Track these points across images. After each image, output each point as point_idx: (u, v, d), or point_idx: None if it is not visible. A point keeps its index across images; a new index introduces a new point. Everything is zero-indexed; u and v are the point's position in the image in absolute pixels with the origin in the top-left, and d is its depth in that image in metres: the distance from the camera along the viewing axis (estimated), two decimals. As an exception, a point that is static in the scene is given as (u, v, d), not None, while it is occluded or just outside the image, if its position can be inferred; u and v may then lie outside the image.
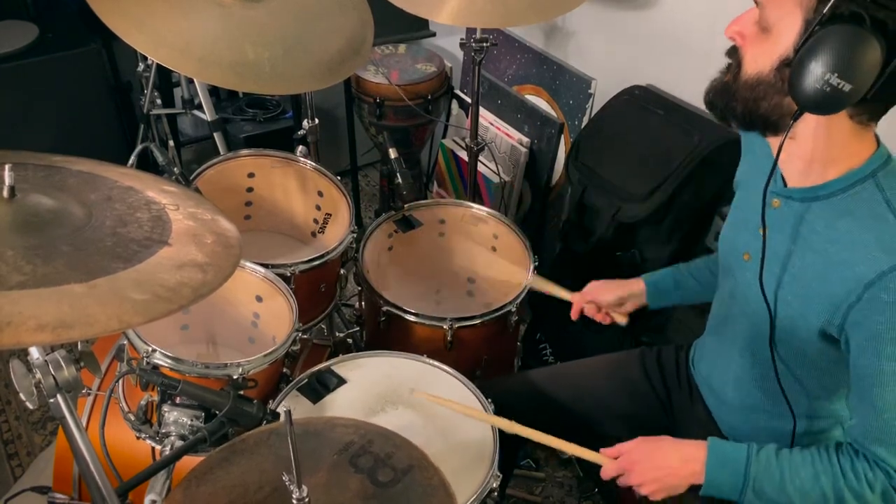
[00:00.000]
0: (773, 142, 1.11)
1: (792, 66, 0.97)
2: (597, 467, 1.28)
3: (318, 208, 1.91)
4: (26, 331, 0.70)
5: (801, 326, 1.11)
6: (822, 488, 1.07)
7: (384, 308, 1.62)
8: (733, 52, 1.08)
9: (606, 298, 1.51)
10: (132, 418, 1.37)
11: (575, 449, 1.24)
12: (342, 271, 1.80)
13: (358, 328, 1.93)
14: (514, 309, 1.64)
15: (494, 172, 2.41)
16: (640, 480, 1.18)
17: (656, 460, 1.18)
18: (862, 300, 1.01)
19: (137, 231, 0.89)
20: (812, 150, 1.06)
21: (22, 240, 0.81)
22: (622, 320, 1.53)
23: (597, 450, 1.25)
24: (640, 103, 1.99)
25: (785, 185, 1.13)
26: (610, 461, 1.22)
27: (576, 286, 1.58)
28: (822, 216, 1.08)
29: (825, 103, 0.96)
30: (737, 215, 1.27)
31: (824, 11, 0.93)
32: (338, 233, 1.79)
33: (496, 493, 1.26)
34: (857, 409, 1.09)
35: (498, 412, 1.33)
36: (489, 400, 1.36)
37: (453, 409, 1.31)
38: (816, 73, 0.93)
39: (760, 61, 1.03)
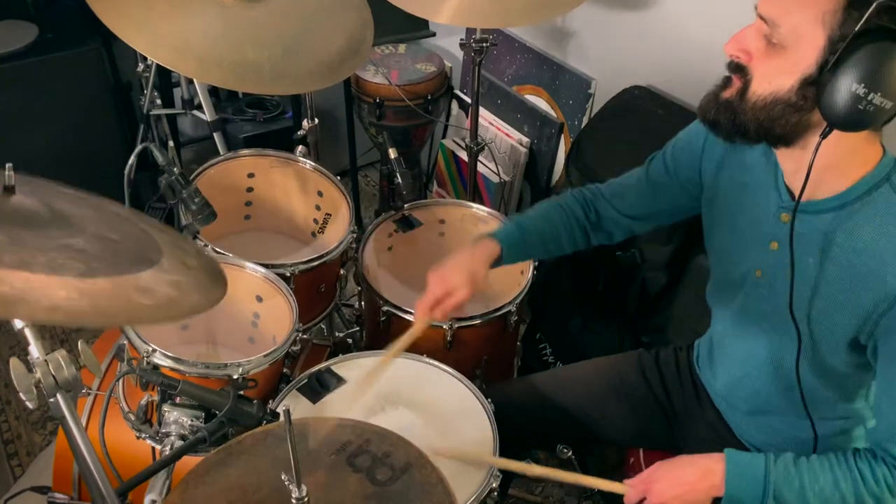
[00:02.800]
0: (783, 152, 1.08)
1: (822, 86, 0.94)
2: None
3: (318, 208, 1.91)
4: (41, 309, 0.71)
5: (828, 339, 1.10)
6: (843, 493, 1.06)
7: (384, 308, 1.62)
8: (738, 69, 1.03)
9: (477, 290, 1.32)
10: (132, 418, 1.37)
11: (597, 482, 1.22)
12: (342, 271, 1.80)
13: (358, 328, 1.93)
14: (514, 309, 1.64)
15: (494, 172, 2.41)
16: (661, 499, 1.16)
17: (674, 478, 1.16)
18: (895, 308, 1.00)
19: (135, 248, 0.90)
20: (825, 160, 1.02)
21: (26, 233, 0.80)
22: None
23: (613, 468, 1.24)
24: (640, 103, 1.99)
25: (792, 198, 1.10)
26: (630, 488, 1.20)
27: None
28: (840, 228, 1.05)
29: (863, 121, 0.94)
30: (734, 231, 1.23)
31: (856, 28, 0.90)
32: (338, 233, 1.79)
33: (496, 493, 1.26)
34: (884, 412, 1.07)
35: (499, 419, 1.33)
36: (489, 400, 1.36)
37: (471, 458, 1.27)
38: (857, 92, 0.91)
39: (775, 80, 0.99)
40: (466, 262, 1.33)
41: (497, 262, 1.37)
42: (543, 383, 1.49)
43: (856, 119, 0.93)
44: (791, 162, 1.09)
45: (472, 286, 1.31)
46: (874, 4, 0.90)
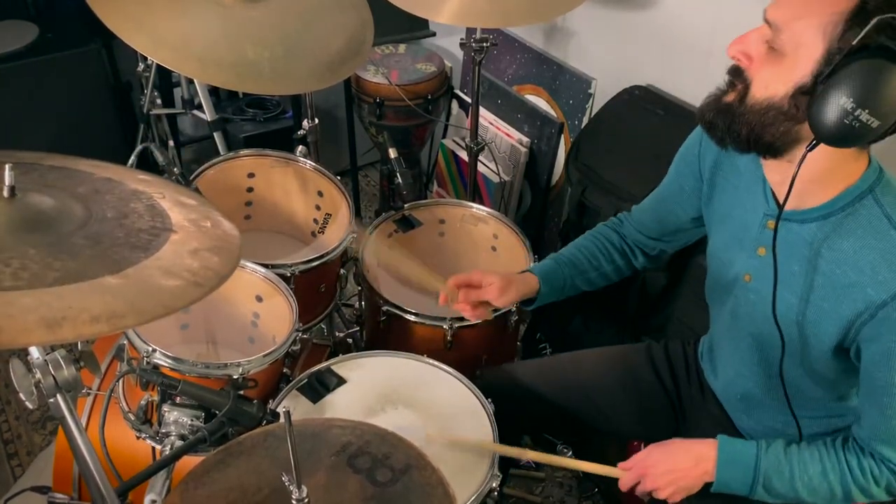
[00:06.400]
0: (771, 164, 1.09)
1: (814, 97, 0.94)
2: (596, 461, 1.28)
3: (318, 208, 1.91)
4: (83, 323, 0.70)
5: (813, 345, 1.11)
6: (830, 483, 1.11)
7: (384, 308, 1.62)
8: (738, 73, 1.03)
9: (503, 301, 1.37)
10: (132, 418, 1.37)
11: (591, 467, 1.26)
12: (342, 271, 1.80)
13: (358, 328, 1.93)
14: (514, 309, 1.64)
15: (494, 172, 2.41)
16: (655, 485, 1.19)
17: (668, 464, 1.19)
18: (875, 318, 1.02)
19: (140, 221, 0.89)
20: (812, 172, 1.03)
21: (38, 238, 0.80)
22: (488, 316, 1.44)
23: (611, 462, 1.26)
24: (640, 103, 1.99)
25: (778, 206, 1.11)
26: (625, 473, 1.23)
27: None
28: (823, 238, 1.06)
29: (849, 138, 0.93)
30: (726, 233, 1.24)
31: (853, 42, 0.90)
32: (338, 233, 1.79)
33: (496, 493, 1.26)
34: (866, 412, 1.10)
35: (500, 405, 1.34)
36: (489, 400, 1.36)
37: (469, 444, 1.29)
38: (845, 107, 0.90)
39: (772, 86, 0.99)
40: (509, 274, 1.39)
41: (536, 297, 1.40)
42: (547, 367, 1.50)
43: (841, 134, 0.92)
44: (777, 174, 1.10)
45: (503, 289, 1.35)
46: (874, 20, 0.89)
